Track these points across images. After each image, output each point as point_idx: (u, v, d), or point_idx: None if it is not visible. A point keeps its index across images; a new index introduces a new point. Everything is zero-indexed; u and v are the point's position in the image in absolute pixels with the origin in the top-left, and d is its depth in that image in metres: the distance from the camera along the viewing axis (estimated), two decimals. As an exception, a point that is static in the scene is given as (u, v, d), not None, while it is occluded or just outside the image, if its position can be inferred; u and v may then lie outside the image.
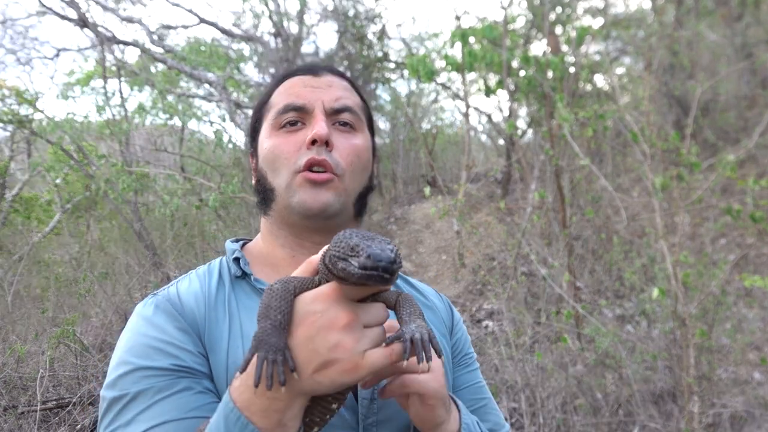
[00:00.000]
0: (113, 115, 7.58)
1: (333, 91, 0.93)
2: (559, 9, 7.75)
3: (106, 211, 7.96)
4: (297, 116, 0.91)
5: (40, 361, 4.21)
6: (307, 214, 0.89)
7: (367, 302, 0.67)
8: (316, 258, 0.70)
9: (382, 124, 12.01)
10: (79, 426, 3.84)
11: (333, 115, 0.92)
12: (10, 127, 7.45)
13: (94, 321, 5.40)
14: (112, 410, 0.74)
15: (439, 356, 0.63)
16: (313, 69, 0.96)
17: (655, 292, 3.04)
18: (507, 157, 8.24)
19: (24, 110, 7.11)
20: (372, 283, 0.59)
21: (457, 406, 0.83)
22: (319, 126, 0.88)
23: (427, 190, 5.54)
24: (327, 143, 0.88)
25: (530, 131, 8.47)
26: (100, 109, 7.56)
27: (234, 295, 0.88)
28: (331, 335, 0.62)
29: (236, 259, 0.92)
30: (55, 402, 4.07)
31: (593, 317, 3.90)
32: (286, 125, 0.92)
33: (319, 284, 0.67)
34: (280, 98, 0.94)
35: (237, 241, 1.00)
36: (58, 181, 7.95)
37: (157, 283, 5.48)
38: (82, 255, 6.72)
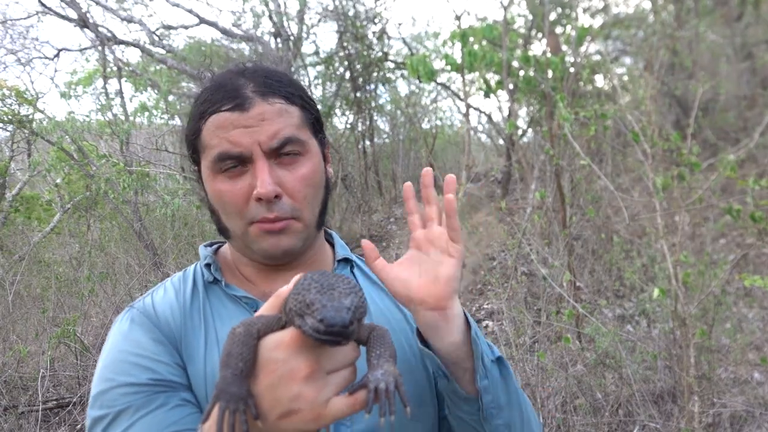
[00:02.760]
0: (114, 116, 7.58)
1: (267, 127, 0.83)
2: (559, 9, 7.75)
3: (106, 211, 7.95)
4: (237, 162, 0.84)
5: (40, 360, 4.21)
6: (271, 259, 0.88)
7: None
8: (285, 291, 0.67)
9: (382, 124, 12.01)
10: (79, 426, 3.84)
11: (274, 152, 0.85)
12: (10, 127, 7.45)
13: (94, 321, 5.41)
14: (95, 430, 0.75)
15: (405, 406, 0.61)
16: (238, 100, 0.84)
17: (656, 292, 3.04)
18: (507, 157, 8.24)
19: (24, 110, 7.11)
20: (326, 345, 0.58)
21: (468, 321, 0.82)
22: (261, 182, 0.81)
23: (428, 190, 5.53)
24: (276, 196, 0.83)
25: (530, 131, 8.47)
26: (103, 108, 7.56)
27: (208, 301, 0.88)
28: (292, 386, 0.61)
29: (208, 265, 0.91)
30: (55, 402, 4.08)
31: (593, 317, 3.90)
32: (227, 170, 0.85)
33: (285, 324, 0.65)
34: (212, 140, 0.85)
35: (212, 244, 0.99)
36: (58, 181, 7.95)
37: (156, 283, 5.47)
38: (82, 255, 6.72)
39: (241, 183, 0.85)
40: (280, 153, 0.85)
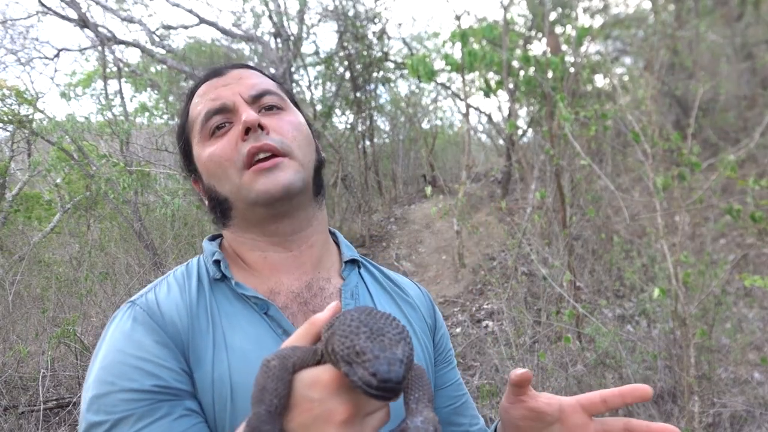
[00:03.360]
0: (114, 116, 7.59)
1: (245, 81, 0.90)
2: (559, 9, 7.75)
3: (106, 211, 7.96)
4: (222, 118, 0.87)
5: (40, 360, 4.21)
6: (272, 201, 0.83)
7: None
8: (320, 319, 0.65)
9: (382, 124, 12.01)
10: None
11: (255, 102, 0.88)
12: (10, 127, 7.46)
13: (94, 321, 5.41)
14: None
15: None
16: (216, 71, 0.93)
17: (656, 292, 3.04)
18: (507, 157, 8.25)
19: (24, 110, 7.11)
20: (375, 401, 0.56)
21: None
22: (246, 114, 0.84)
23: (429, 189, 5.54)
24: (261, 127, 0.84)
25: (530, 131, 8.48)
26: (103, 109, 7.57)
27: (215, 300, 0.84)
28: (328, 429, 0.58)
29: (216, 261, 0.87)
30: (55, 402, 4.08)
31: (593, 317, 3.90)
32: (214, 131, 0.87)
33: (322, 357, 0.62)
34: (198, 110, 0.89)
35: (214, 238, 0.96)
36: (58, 181, 7.96)
37: (157, 283, 5.47)
38: (82, 255, 6.72)
39: (229, 136, 0.86)
40: (262, 107, 0.89)
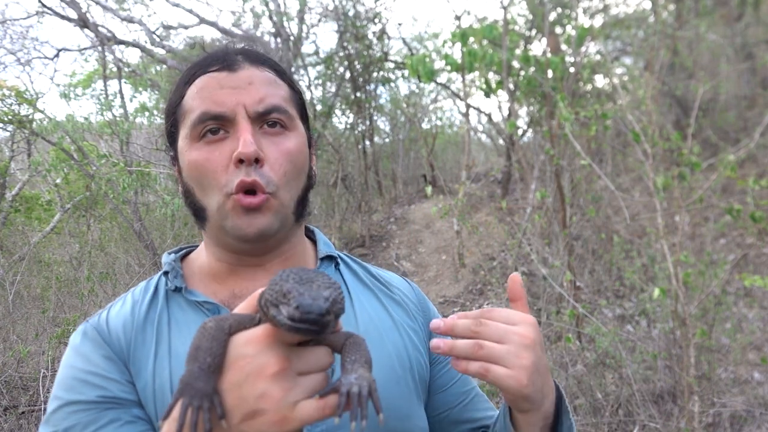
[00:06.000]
0: (114, 116, 7.58)
1: (255, 91, 0.81)
2: (559, 9, 7.75)
3: (106, 211, 7.96)
4: (218, 125, 0.80)
5: (40, 360, 4.21)
6: (243, 239, 0.81)
7: (309, 346, 0.62)
8: (262, 292, 0.64)
9: (382, 124, 12.01)
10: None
11: (259, 118, 0.81)
12: (10, 127, 7.46)
13: (94, 321, 5.40)
14: None
15: (378, 413, 0.57)
16: (227, 62, 0.82)
17: (656, 292, 3.04)
18: (507, 157, 8.25)
19: (24, 110, 7.11)
20: (300, 335, 0.57)
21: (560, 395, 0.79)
22: (243, 142, 0.77)
23: (429, 189, 5.54)
24: (257, 160, 0.78)
25: (530, 131, 8.47)
26: (103, 109, 7.56)
27: (167, 311, 0.83)
28: (259, 383, 0.57)
29: (165, 273, 0.86)
30: (55, 402, 4.08)
31: (593, 317, 3.90)
32: (206, 134, 0.80)
33: (259, 323, 0.61)
34: (194, 102, 0.81)
35: (180, 250, 0.94)
36: (58, 181, 7.96)
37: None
38: (82, 255, 6.72)
39: (221, 149, 0.80)
40: (265, 122, 0.82)
